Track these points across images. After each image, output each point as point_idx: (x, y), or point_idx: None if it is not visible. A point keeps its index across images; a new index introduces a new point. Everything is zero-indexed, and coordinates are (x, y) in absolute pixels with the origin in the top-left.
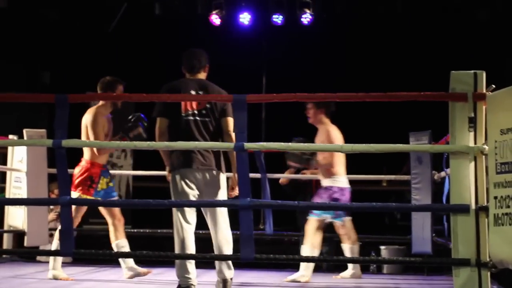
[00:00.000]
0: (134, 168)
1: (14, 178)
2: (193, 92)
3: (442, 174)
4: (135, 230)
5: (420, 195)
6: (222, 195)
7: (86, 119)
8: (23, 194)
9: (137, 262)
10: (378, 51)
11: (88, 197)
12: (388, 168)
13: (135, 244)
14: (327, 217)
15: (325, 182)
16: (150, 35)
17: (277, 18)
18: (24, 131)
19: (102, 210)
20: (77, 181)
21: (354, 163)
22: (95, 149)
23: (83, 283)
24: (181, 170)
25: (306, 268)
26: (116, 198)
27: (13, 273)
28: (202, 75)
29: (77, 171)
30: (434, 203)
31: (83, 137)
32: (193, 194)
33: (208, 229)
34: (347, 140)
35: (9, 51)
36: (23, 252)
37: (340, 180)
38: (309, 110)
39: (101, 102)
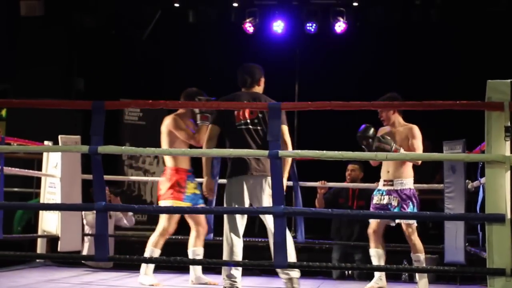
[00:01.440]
0: None
1: (49, 184)
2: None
3: (476, 183)
4: (173, 237)
5: (453, 204)
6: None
7: (167, 125)
8: (57, 199)
9: (173, 268)
10: (412, 60)
11: (179, 202)
12: (420, 176)
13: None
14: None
15: (408, 184)
16: (183, 43)
17: (311, 27)
18: (59, 137)
19: (187, 216)
20: (164, 188)
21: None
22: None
23: None
24: (237, 177)
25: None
26: (202, 205)
27: (47, 277)
28: (257, 89)
29: (162, 180)
30: (468, 213)
31: (164, 144)
32: (245, 200)
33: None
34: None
35: (45, 58)
36: (59, 257)
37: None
38: (381, 113)
39: (180, 110)
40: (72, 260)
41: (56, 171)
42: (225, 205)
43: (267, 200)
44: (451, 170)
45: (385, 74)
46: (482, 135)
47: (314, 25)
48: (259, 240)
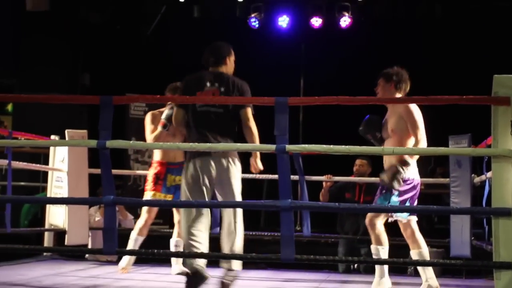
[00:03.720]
0: None
1: (56, 178)
2: (208, 84)
3: (482, 177)
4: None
5: (459, 199)
6: (237, 183)
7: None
8: (64, 193)
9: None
10: (416, 55)
11: (157, 193)
12: (424, 171)
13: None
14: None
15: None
16: (188, 38)
17: (316, 21)
18: (66, 131)
19: (174, 209)
20: (148, 181)
21: None
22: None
23: (123, 281)
24: (195, 159)
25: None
26: None
27: (54, 271)
28: (223, 68)
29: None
30: (474, 207)
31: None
32: (206, 184)
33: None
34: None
35: (50, 53)
36: (67, 250)
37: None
38: (377, 90)
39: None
40: (80, 254)
41: (63, 165)
42: (182, 191)
43: (234, 184)
44: (457, 164)
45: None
46: (488, 129)
47: (320, 20)
48: (265, 234)
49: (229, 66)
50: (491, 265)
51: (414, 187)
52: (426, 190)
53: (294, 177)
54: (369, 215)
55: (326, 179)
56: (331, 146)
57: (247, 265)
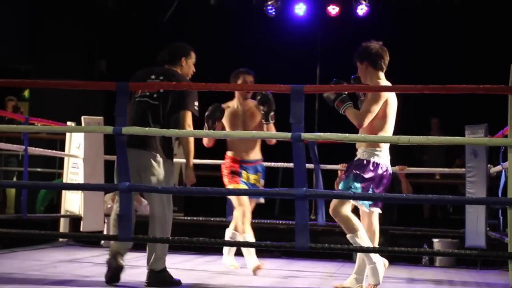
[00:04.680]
0: None
1: (72, 164)
2: (153, 77)
3: (498, 168)
4: (188, 218)
5: (475, 189)
6: (157, 178)
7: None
8: (79, 180)
9: (184, 249)
10: (434, 44)
11: (238, 185)
12: (441, 161)
13: (187, 231)
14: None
15: (359, 153)
16: (204, 25)
17: (333, 9)
18: (82, 118)
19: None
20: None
21: (407, 156)
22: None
23: (138, 268)
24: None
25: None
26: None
27: (70, 256)
28: (177, 68)
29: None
30: (490, 197)
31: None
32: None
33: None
34: (402, 133)
35: (67, 40)
36: (82, 236)
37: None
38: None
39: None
40: (95, 240)
41: (79, 152)
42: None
43: (152, 179)
44: (473, 154)
45: (406, 58)
46: (505, 119)
47: (337, 8)
48: (280, 222)
49: (185, 68)
50: (506, 256)
51: (380, 175)
52: (442, 180)
53: (309, 166)
54: (332, 203)
55: (342, 168)
56: (347, 134)
57: (261, 254)
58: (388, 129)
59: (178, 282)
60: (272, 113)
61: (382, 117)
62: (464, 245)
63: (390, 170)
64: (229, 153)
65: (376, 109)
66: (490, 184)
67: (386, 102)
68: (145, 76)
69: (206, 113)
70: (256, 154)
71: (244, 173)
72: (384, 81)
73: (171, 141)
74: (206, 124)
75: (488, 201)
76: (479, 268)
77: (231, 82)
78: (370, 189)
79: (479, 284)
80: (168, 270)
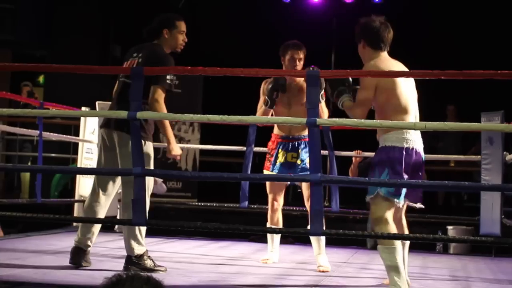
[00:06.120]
0: (201, 143)
1: (86, 149)
2: (134, 55)
3: None
4: (202, 204)
5: (490, 176)
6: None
7: None
8: (93, 165)
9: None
10: (450, 30)
11: (267, 171)
12: (456, 148)
13: (201, 217)
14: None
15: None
16: (219, 11)
17: None
18: (97, 103)
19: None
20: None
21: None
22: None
23: (151, 253)
24: (100, 130)
25: None
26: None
27: None
28: (160, 41)
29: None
30: (505, 184)
31: None
32: (108, 154)
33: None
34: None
35: (81, 25)
36: (96, 221)
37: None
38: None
39: None
40: (109, 224)
41: (93, 137)
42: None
43: (122, 161)
44: (489, 141)
45: (421, 44)
46: None
47: None
48: (293, 208)
49: (169, 40)
50: None
51: (390, 157)
52: (456, 167)
53: (324, 152)
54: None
55: (356, 154)
56: (362, 120)
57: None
58: (404, 111)
59: (160, 269)
60: (322, 92)
61: (386, 100)
62: (479, 233)
63: (401, 148)
64: (274, 131)
65: (367, 96)
66: (505, 171)
67: (380, 85)
68: (128, 55)
69: (269, 85)
70: (298, 130)
71: (281, 153)
72: (384, 62)
73: (152, 122)
74: (266, 97)
75: (504, 188)
76: (494, 255)
77: (280, 55)
78: (386, 175)
79: (493, 271)
80: (187, 255)
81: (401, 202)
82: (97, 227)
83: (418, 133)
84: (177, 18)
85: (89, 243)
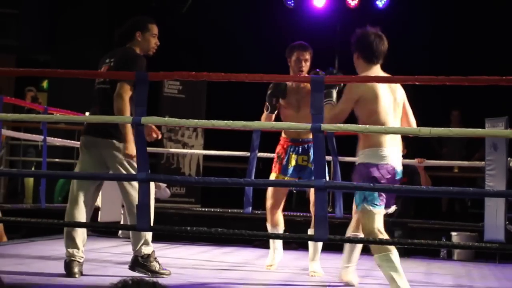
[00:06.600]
0: (205, 148)
1: None
2: (107, 60)
3: None
4: (205, 209)
5: (494, 182)
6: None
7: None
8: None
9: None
10: (454, 35)
11: (278, 175)
12: (460, 154)
13: (205, 223)
14: None
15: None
16: (223, 17)
17: (352, 1)
18: None
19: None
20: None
21: (426, 148)
22: None
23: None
24: (81, 137)
25: None
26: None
27: (88, 247)
28: (132, 44)
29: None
30: (510, 190)
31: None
32: (90, 162)
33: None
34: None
35: (85, 30)
36: (100, 226)
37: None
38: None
39: None
40: (113, 230)
41: None
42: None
43: (119, 169)
44: (493, 147)
45: (426, 50)
46: None
47: None
48: (297, 214)
49: (142, 42)
50: None
51: (369, 174)
52: (460, 173)
53: (327, 157)
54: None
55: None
56: (367, 126)
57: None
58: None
59: (164, 272)
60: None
61: (367, 117)
62: (483, 239)
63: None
64: (282, 134)
65: (344, 109)
66: (510, 177)
67: (362, 100)
68: (102, 62)
69: (269, 91)
70: (307, 133)
71: (292, 157)
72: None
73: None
74: (267, 103)
75: (508, 194)
76: (498, 261)
77: (286, 57)
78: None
79: (498, 278)
80: (191, 260)
81: (384, 211)
82: (80, 237)
83: (396, 149)
84: (149, 21)
85: (77, 253)
